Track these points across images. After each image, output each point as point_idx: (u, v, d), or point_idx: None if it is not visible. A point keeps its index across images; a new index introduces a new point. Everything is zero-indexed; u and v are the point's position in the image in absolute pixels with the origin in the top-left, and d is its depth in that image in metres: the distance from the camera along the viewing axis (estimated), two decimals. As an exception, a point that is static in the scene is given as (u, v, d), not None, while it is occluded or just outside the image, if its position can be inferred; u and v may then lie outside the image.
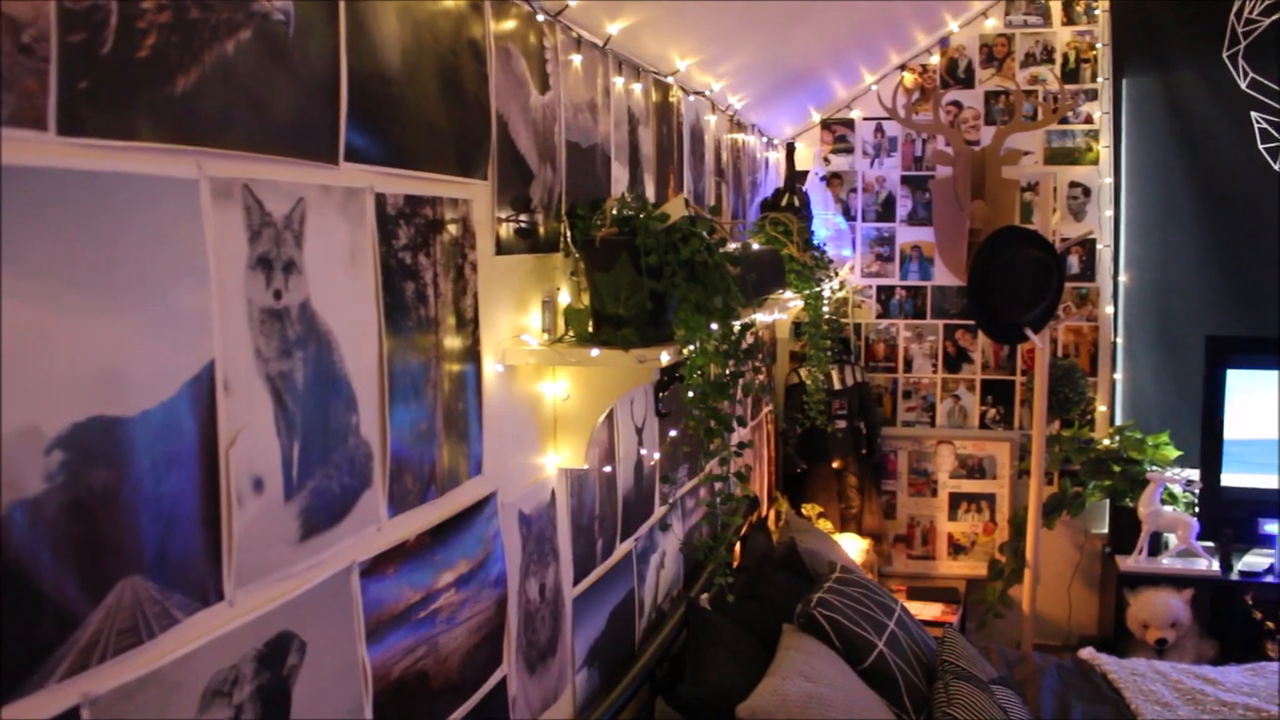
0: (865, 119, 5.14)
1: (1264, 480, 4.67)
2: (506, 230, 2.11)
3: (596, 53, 2.64)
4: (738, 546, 3.95)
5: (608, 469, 2.69)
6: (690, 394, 2.11)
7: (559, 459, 2.34)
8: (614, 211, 2.15)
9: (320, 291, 1.50)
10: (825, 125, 5.16)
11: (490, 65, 2.03)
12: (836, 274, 4.28)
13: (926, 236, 5.09)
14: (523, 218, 2.17)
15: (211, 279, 1.28)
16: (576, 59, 2.49)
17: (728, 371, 2.18)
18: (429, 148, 1.81)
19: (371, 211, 1.64)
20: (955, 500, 5.15)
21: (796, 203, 4.02)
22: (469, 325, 1.96)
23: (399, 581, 1.72)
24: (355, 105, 1.57)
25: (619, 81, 2.80)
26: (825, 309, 4.92)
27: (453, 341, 1.89)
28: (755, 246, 3.62)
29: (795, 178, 4.12)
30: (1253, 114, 4.82)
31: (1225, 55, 4.82)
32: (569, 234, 2.29)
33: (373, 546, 1.64)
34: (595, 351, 2.06)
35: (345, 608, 1.57)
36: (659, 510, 3.19)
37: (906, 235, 5.14)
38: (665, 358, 2.04)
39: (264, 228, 1.38)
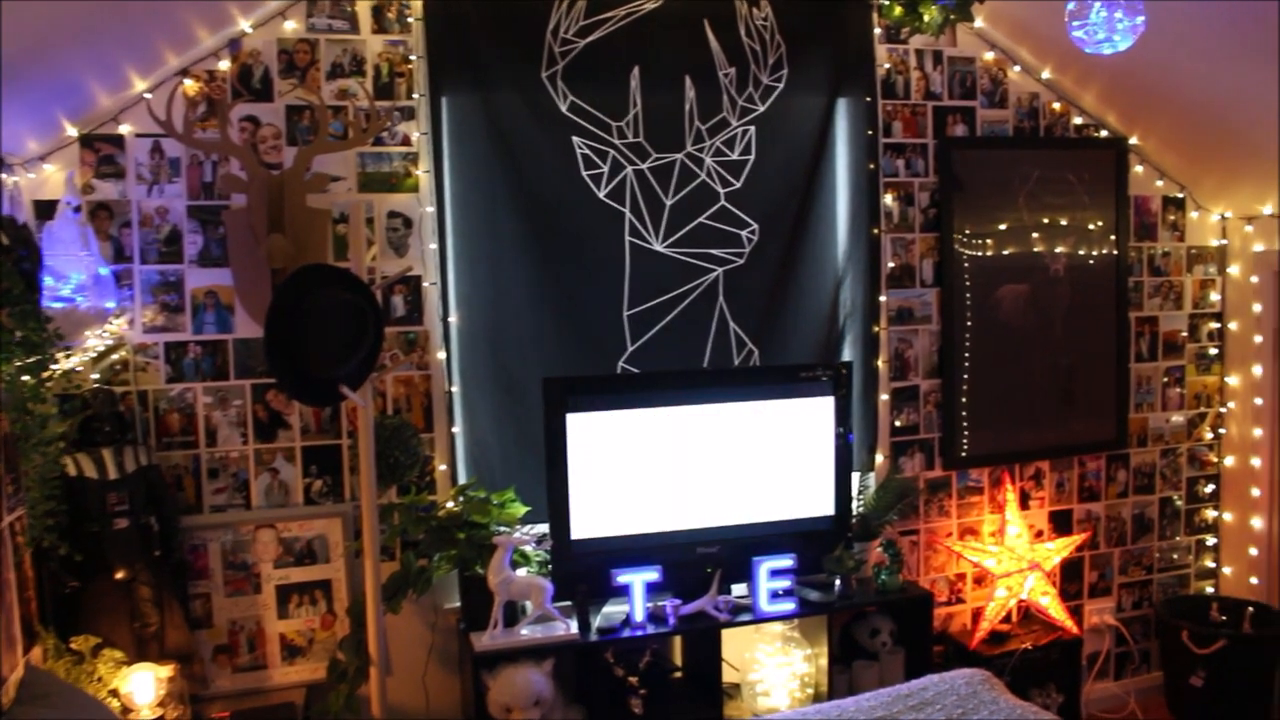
0: (139, 135, 4.09)
1: (613, 527, 4.37)
2: None
3: None
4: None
5: None
6: None
7: None
8: None
9: None
10: (86, 142, 4.04)
11: None
12: (59, 336, 3.19)
13: (224, 280, 4.15)
14: None
15: None
16: None
17: None
18: None
19: None
20: (284, 593, 4.26)
21: (5, 241, 2.92)
22: None
23: None
24: None
25: None
26: (94, 376, 3.85)
27: None
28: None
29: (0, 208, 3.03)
30: (574, 139, 4.51)
31: (544, 76, 4.46)
32: None
33: None
34: None
35: None
36: None
37: (199, 279, 4.15)
38: None
39: None
